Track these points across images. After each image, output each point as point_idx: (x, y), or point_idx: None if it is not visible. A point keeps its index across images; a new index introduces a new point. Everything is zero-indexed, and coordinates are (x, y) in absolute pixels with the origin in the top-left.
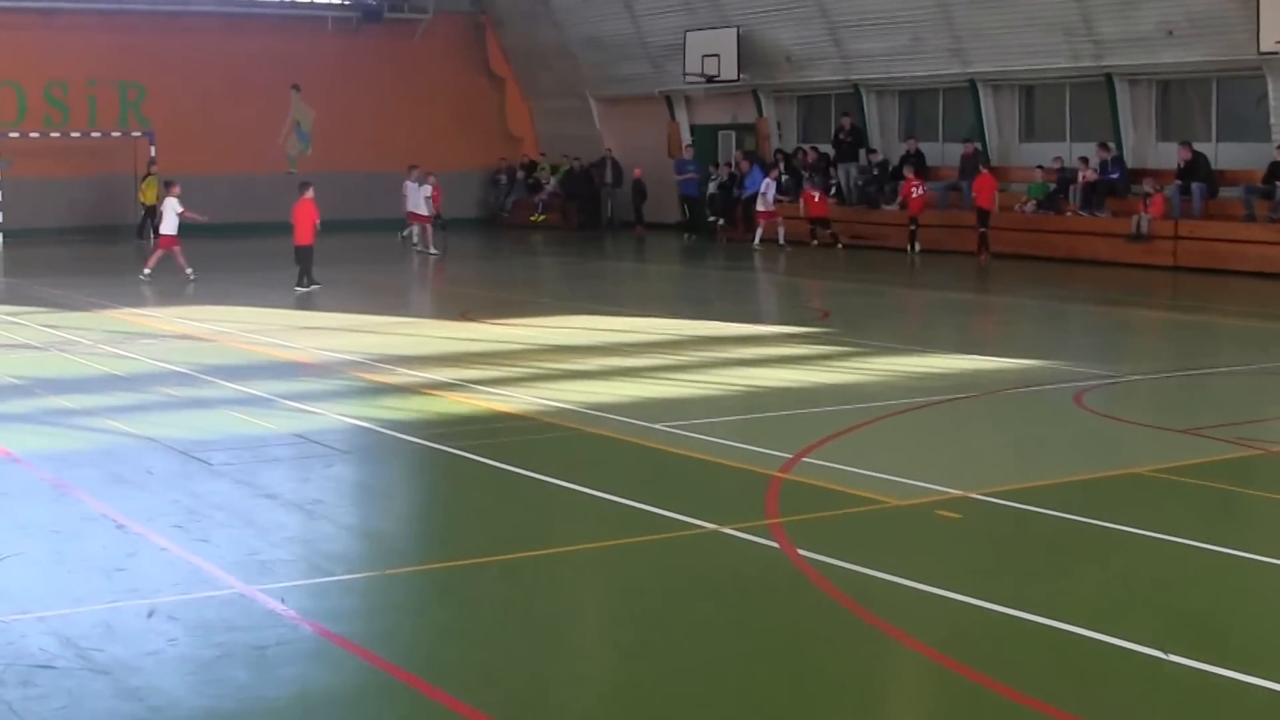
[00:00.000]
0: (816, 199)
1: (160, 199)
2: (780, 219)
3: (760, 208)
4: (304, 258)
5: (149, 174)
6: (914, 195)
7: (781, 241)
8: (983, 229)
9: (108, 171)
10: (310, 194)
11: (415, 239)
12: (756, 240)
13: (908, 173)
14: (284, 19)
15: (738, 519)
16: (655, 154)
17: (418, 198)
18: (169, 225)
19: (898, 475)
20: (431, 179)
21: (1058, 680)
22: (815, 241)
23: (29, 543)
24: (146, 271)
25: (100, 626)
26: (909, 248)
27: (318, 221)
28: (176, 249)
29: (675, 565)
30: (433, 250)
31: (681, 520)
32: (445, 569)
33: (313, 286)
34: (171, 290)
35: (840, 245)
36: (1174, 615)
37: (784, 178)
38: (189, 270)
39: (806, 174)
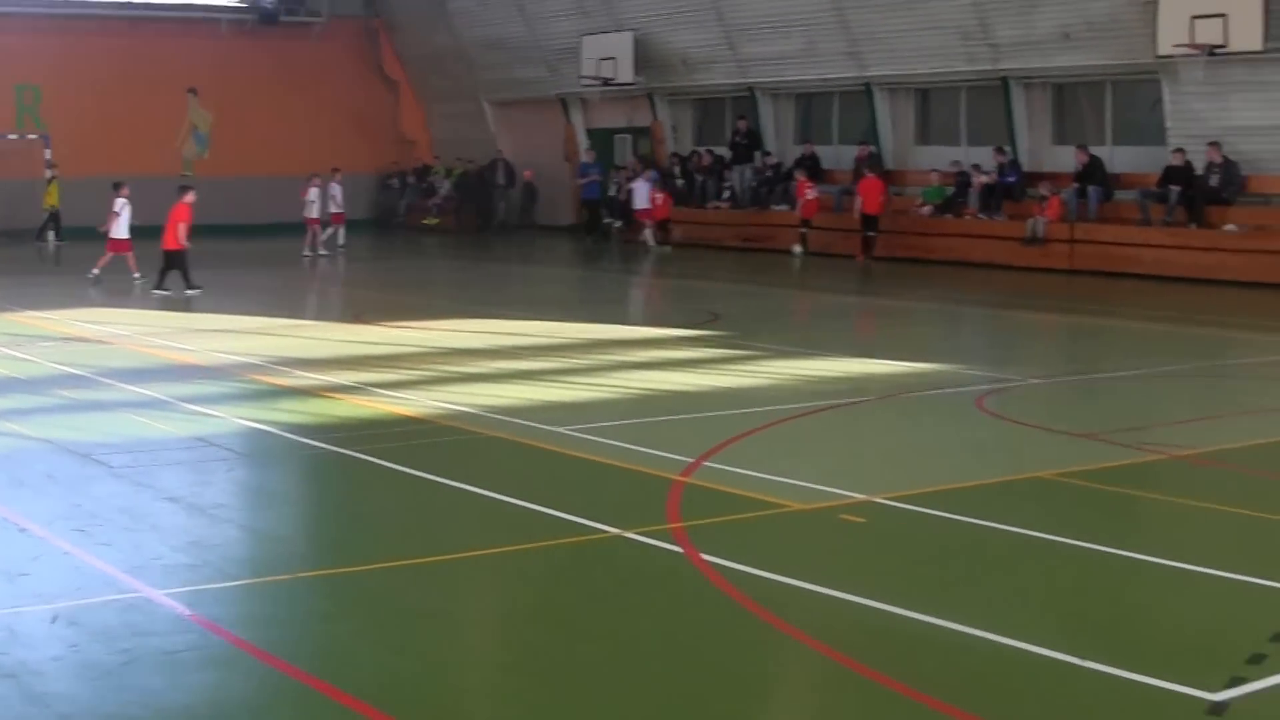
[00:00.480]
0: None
1: (111, 200)
2: (651, 220)
3: (637, 206)
4: (176, 262)
5: (52, 178)
6: (807, 198)
7: (652, 243)
8: (868, 233)
9: (4, 175)
10: (190, 198)
11: (340, 241)
12: (650, 241)
13: (799, 175)
14: (180, 21)
15: (640, 523)
16: (550, 157)
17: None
18: (120, 228)
19: (799, 479)
20: (317, 180)
21: (959, 682)
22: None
23: None
24: (95, 272)
25: (3, 631)
26: (797, 249)
27: (188, 224)
28: (129, 253)
29: (578, 569)
30: (315, 252)
31: (583, 524)
32: (350, 573)
33: (194, 290)
34: (72, 293)
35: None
36: (1077, 619)
37: (679, 181)
38: (137, 275)
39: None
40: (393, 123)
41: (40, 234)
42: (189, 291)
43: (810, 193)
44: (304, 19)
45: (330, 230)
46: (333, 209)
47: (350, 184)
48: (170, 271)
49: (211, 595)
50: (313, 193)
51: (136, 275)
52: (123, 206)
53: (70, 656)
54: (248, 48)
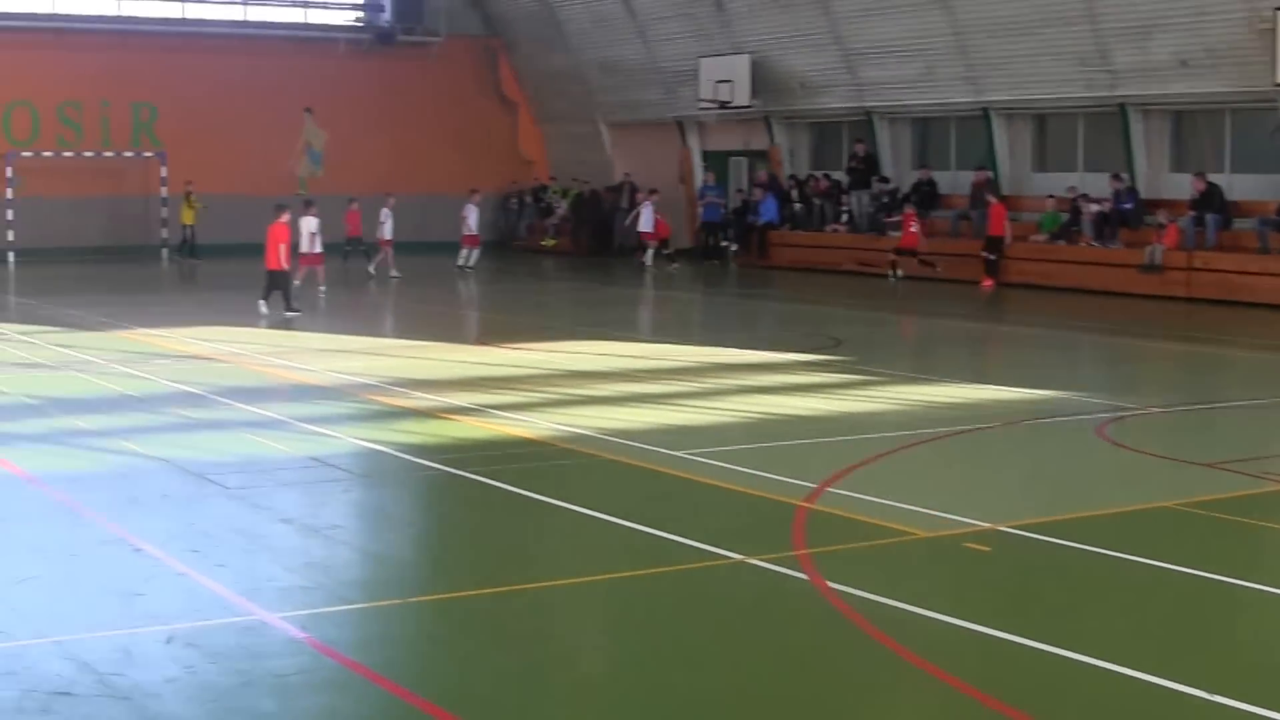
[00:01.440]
0: (913, 229)
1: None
2: (655, 241)
3: (643, 229)
4: (279, 282)
5: (188, 194)
6: (910, 230)
7: (649, 262)
8: (992, 256)
9: (120, 192)
10: (286, 217)
11: (470, 261)
12: (649, 261)
13: (909, 208)
14: (297, 41)
15: (764, 549)
16: (664, 179)
17: (472, 220)
18: (311, 244)
19: (924, 506)
20: (392, 201)
21: (1082, 714)
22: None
23: (45, 566)
24: (295, 283)
25: (119, 652)
26: (895, 274)
27: (288, 244)
28: (319, 267)
29: (703, 596)
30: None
31: (706, 550)
32: (467, 597)
33: (293, 313)
34: (188, 311)
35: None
36: (1202, 651)
37: (798, 205)
38: (323, 288)
39: (818, 201)
40: (511, 143)
41: (181, 249)
42: (288, 314)
43: (914, 226)
44: (421, 39)
45: (465, 252)
46: (465, 230)
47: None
48: (274, 291)
49: (325, 618)
50: (383, 213)
51: (322, 289)
52: (308, 225)
53: (185, 678)
54: (364, 67)
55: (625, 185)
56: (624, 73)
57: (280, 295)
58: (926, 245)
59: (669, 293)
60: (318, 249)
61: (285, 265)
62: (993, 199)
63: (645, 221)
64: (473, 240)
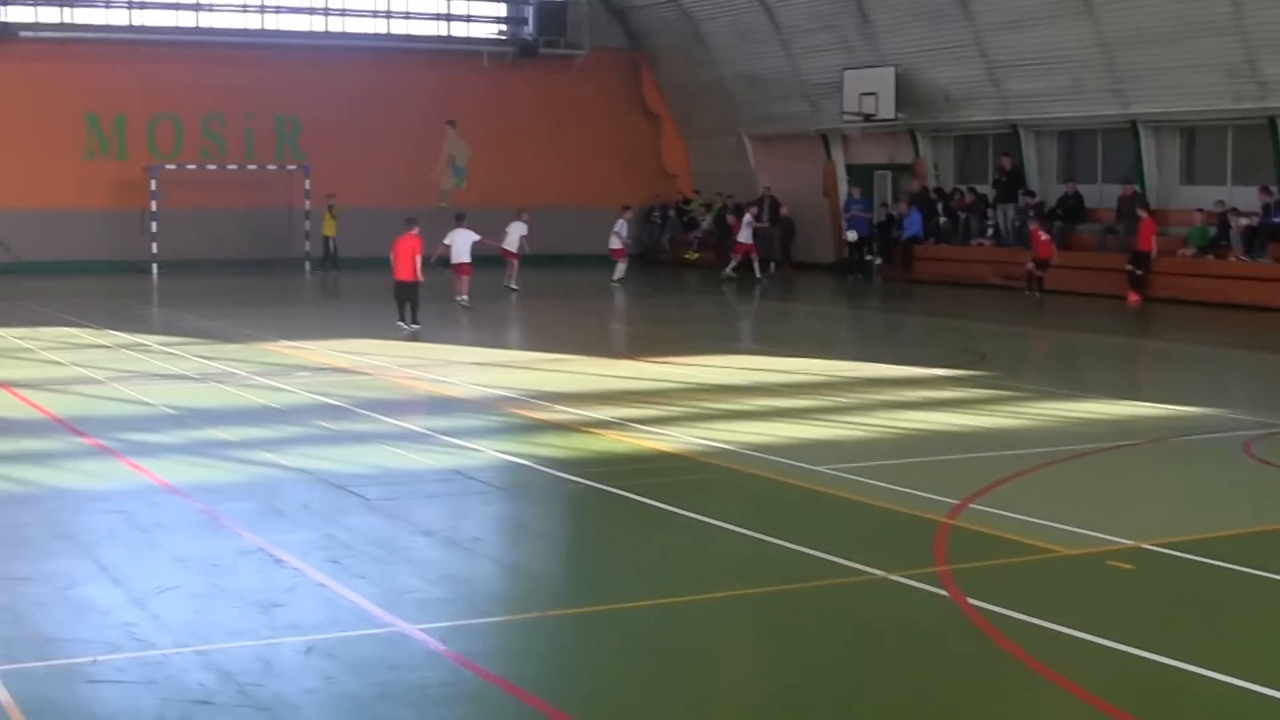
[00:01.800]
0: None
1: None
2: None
3: (615, 246)
4: (410, 294)
5: (330, 206)
6: (1041, 239)
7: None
8: (1139, 271)
9: (262, 204)
10: (416, 230)
11: (618, 275)
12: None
13: (1033, 224)
14: (440, 53)
15: (905, 565)
16: (807, 192)
17: (621, 236)
18: (462, 253)
19: (1066, 524)
20: (526, 215)
21: None
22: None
23: (187, 576)
24: (463, 298)
25: (259, 662)
26: (1029, 288)
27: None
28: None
29: (843, 612)
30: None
31: (847, 565)
32: (606, 611)
33: (413, 326)
34: (329, 323)
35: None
36: None
37: (943, 219)
38: (463, 297)
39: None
40: (654, 156)
41: (323, 263)
42: (412, 326)
43: (1043, 235)
44: (565, 52)
45: (620, 266)
46: (615, 244)
47: (611, 217)
48: (407, 304)
49: (465, 630)
50: (514, 226)
51: (463, 298)
52: (464, 236)
53: (324, 689)
54: (507, 80)
55: (765, 199)
56: (768, 85)
57: (410, 308)
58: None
59: (812, 306)
60: (467, 259)
61: (419, 278)
62: (1144, 213)
63: (745, 234)
64: (621, 254)
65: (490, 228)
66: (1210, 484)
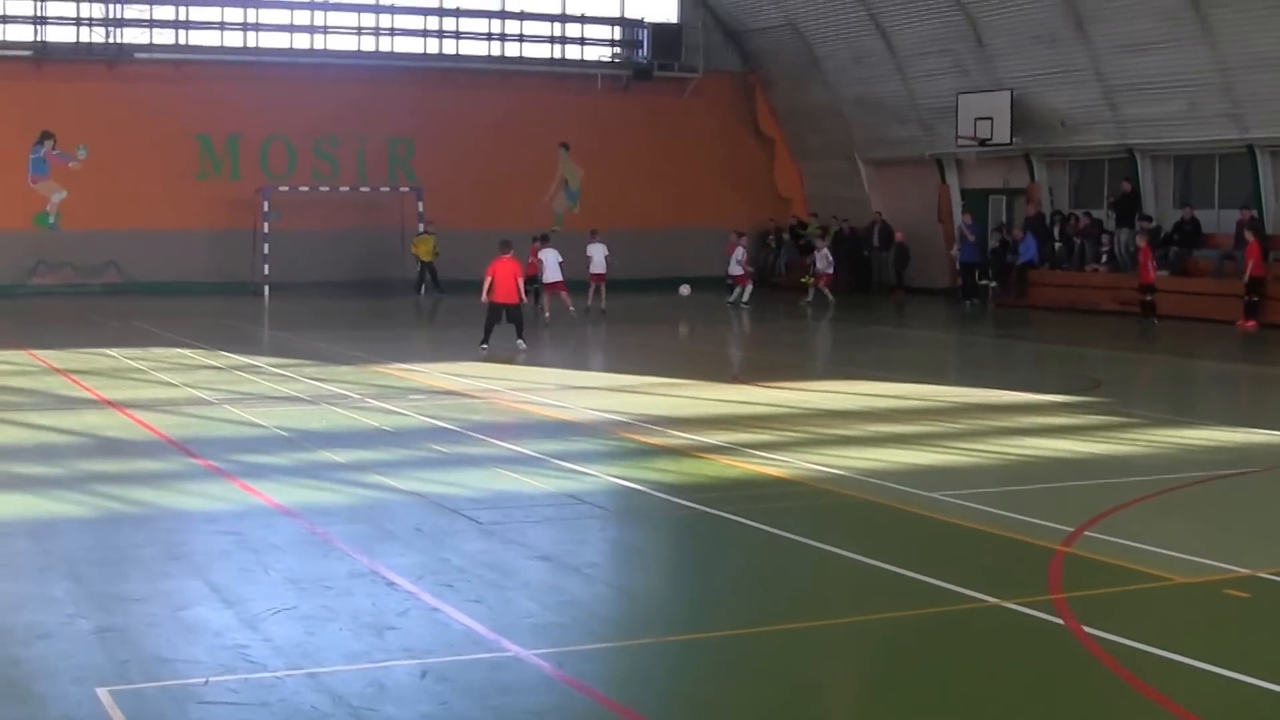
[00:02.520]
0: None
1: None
2: (564, 290)
3: (736, 272)
4: (515, 316)
5: (423, 230)
6: (1147, 264)
7: (547, 314)
8: (1254, 297)
9: (374, 226)
10: (512, 253)
11: (742, 298)
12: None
13: (1141, 241)
14: (553, 76)
15: (1019, 593)
16: (923, 217)
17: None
18: (554, 273)
19: (1183, 552)
20: (598, 238)
21: None
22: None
23: (300, 597)
24: (546, 315)
25: (372, 685)
26: (1144, 317)
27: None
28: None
29: (957, 640)
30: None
31: (961, 593)
32: (720, 636)
33: (520, 345)
34: (441, 347)
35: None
36: None
37: (1058, 244)
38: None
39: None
40: (768, 179)
41: (418, 287)
42: (484, 346)
43: (1151, 262)
44: (679, 74)
45: (738, 290)
46: (736, 270)
47: (725, 240)
48: (512, 324)
49: (579, 655)
50: (595, 249)
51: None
52: (549, 255)
53: (439, 713)
54: (620, 103)
55: (876, 223)
56: (882, 109)
57: (515, 328)
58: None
59: (926, 332)
60: (559, 276)
61: (522, 299)
62: (1251, 237)
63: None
64: (743, 280)
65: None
66: None
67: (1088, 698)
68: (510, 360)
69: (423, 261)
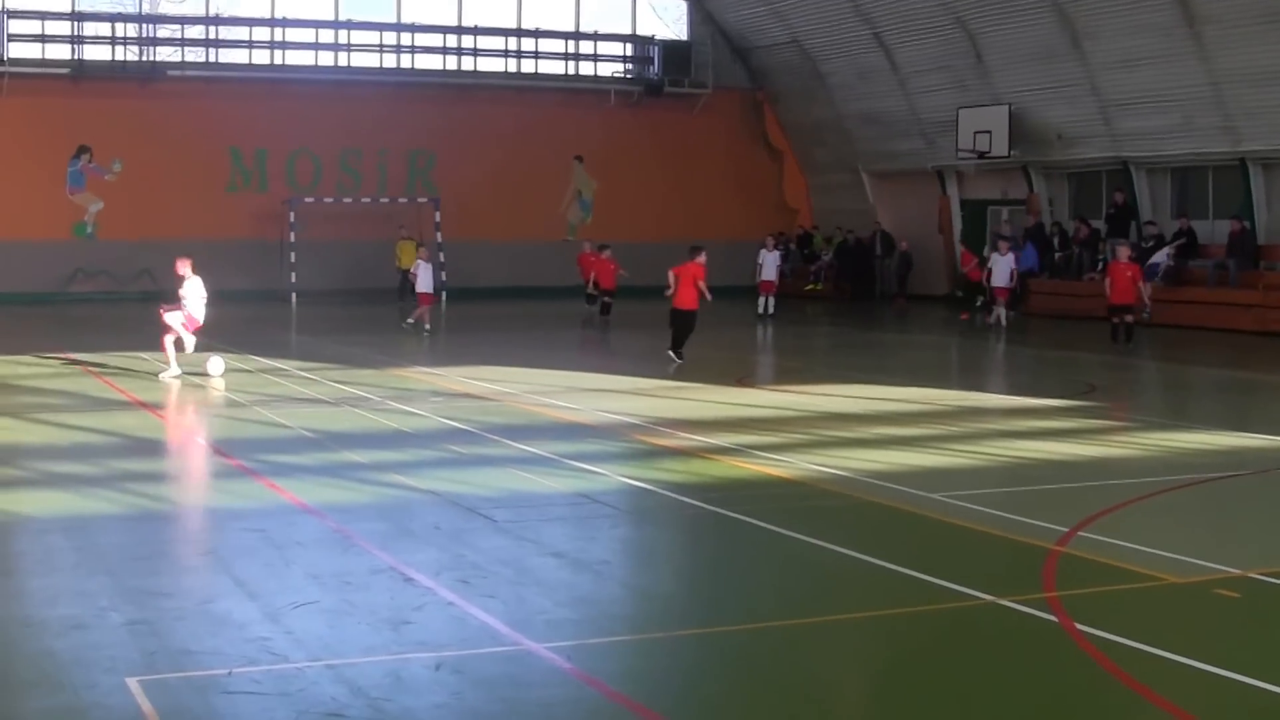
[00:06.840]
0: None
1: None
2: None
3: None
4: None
5: (403, 238)
6: (1126, 276)
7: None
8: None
9: (395, 235)
10: (703, 257)
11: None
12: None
13: (1122, 256)
14: (568, 91)
15: (1014, 591)
16: (922, 226)
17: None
18: (423, 283)
19: (1175, 552)
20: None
21: None
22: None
23: (321, 592)
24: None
25: (389, 677)
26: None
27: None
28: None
29: (954, 636)
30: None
31: (957, 590)
32: (727, 632)
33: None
34: (459, 351)
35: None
36: None
37: (1058, 254)
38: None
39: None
40: (776, 191)
41: (400, 294)
42: (673, 354)
43: (1130, 274)
44: (689, 90)
45: (763, 299)
46: (763, 277)
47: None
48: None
49: (591, 650)
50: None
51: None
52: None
53: (453, 704)
54: (632, 117)
55: (877, 234)
56: (885, 123)
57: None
58: (1143, 295)
59: (926, 338)
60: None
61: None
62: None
63: (423, 282)
64: (770, 287)
65: (621, 261)
66: None
67: (1080, 693)
68: (526, 365)
69: (403, 270)
